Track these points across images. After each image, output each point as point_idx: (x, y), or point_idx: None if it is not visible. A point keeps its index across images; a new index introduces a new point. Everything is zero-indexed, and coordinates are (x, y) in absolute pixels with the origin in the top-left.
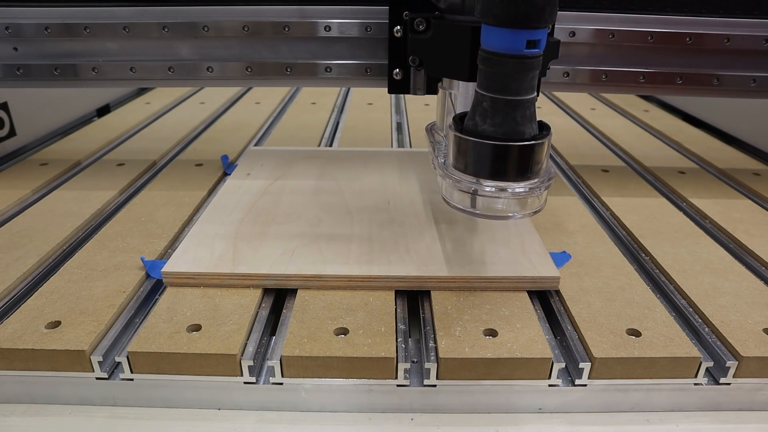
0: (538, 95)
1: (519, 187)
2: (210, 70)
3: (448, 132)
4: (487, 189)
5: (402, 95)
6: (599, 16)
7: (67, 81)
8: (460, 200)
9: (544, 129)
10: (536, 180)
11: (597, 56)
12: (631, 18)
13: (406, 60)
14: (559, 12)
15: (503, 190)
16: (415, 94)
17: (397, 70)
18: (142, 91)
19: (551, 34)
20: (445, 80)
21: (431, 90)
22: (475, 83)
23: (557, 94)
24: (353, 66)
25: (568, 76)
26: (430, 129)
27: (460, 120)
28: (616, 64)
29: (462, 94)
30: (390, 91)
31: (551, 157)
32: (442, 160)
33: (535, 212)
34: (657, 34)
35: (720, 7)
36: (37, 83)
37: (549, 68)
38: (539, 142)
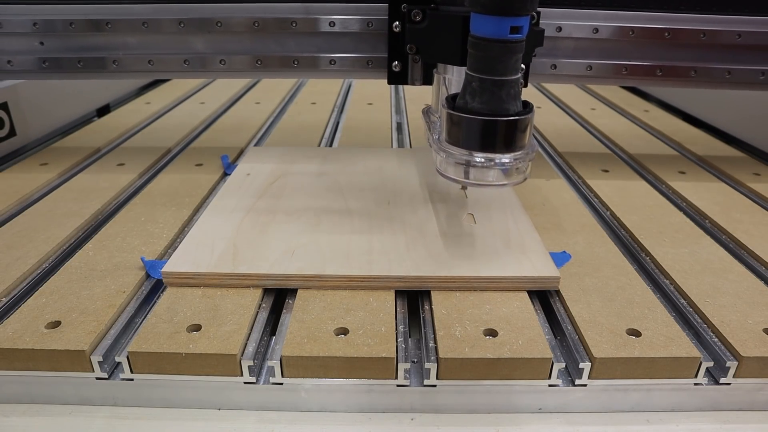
0: (526, 86)
1: (505, 158)
2: (222, 62)
3: (442, 110)
4: (477, 160)
5: (402, 96)
6: (584, 12)
7: (90, 73)
8: (453, 172)
9: (527, 107)
10: (521, 152)
11: (582, 49)
12: (614, 14)
13: (404, 51)
14: (546, 9)
15: (491, 161)
16: (413, 84)
17: (396, 62)
18: (142, 91)
19: (537, 24)
20: (440, 66)
21: (428, 81)
22: (466, 67)
23: (558, 94)
24: (355, 59)
25: (555, 68)
26: (426, 111)
27: (452, 99)
28: (601, 57)
29: (455, 78)
30: (390, 82)
31: (552, 157)
32: (437, 137)
33: (520, 182)
34: (638, 29)
35: (697, 5)
36: (62, 75)
37: (535, 55)
38: (523, 117)
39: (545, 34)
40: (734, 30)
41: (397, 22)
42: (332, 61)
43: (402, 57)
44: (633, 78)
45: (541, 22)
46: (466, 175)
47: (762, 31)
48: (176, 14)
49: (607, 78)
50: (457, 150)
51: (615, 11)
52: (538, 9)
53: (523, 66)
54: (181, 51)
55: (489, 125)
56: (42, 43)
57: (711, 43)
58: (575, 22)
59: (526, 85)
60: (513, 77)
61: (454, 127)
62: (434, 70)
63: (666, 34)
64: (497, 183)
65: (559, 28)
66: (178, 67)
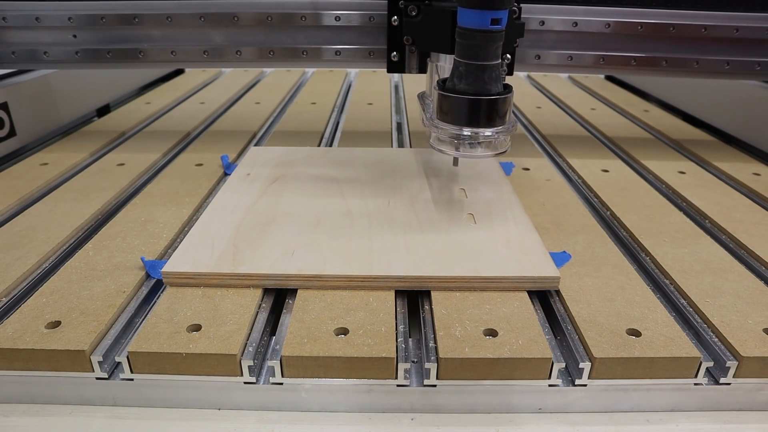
0: (511, 74)
1: (488, 131)
2: (238, 53)
3: (434, 92)
4: (464, 134)
5: (402, 96)
6: (564, 8)
7: (119, 63)
8: (443, 146)
9: (507, 88)
10: (502, 127)
11: (563, 41)
12: (591, 10)
13: (402, 42)
14: (530, 5)
15: (476, 134)
16: (410, 72)
17: (395, 52)
18: (142, 91)
19: (518, 18)
20: (432, 54)
21: (422, 69)
22: (454, 54)
23: (558, 94)
24: (358, 50)
25: (539, 58)
26: (421, 95)
27: (443, 82)
28: (580, 48)
29: (446, 65)
30: (389, 71)
31: (552, 157)
32: (430, 115)
33: (502, 153)
34: (614, 23)
35: (667, 1)
36: (93, 65)
37: (517, 45)
38: (503, 96)
39: (530, 28)
40: (700, 24)
41: (395, 17)
42: (337, 52)
43: (400, 48)
44: (610, 67)
45: (525, 16)
46: (456, 147)
47: (725, 25)
48: (197, 9)
49: (587, 67)
50: (447, 126)
51: (592, 7)
52: (521, 4)
53: (508, 56)
54: (201, 43)
55: (474, 103)
56: (75, 36)
57: (680, 36)
58: (556, 17)
59: (511, 74)
60: (494, 62)
61: (444, 105)
62: (428, 59)
63: (639, 27)
64: (482, 154)
65: (542, 22)
66: (198, 58)
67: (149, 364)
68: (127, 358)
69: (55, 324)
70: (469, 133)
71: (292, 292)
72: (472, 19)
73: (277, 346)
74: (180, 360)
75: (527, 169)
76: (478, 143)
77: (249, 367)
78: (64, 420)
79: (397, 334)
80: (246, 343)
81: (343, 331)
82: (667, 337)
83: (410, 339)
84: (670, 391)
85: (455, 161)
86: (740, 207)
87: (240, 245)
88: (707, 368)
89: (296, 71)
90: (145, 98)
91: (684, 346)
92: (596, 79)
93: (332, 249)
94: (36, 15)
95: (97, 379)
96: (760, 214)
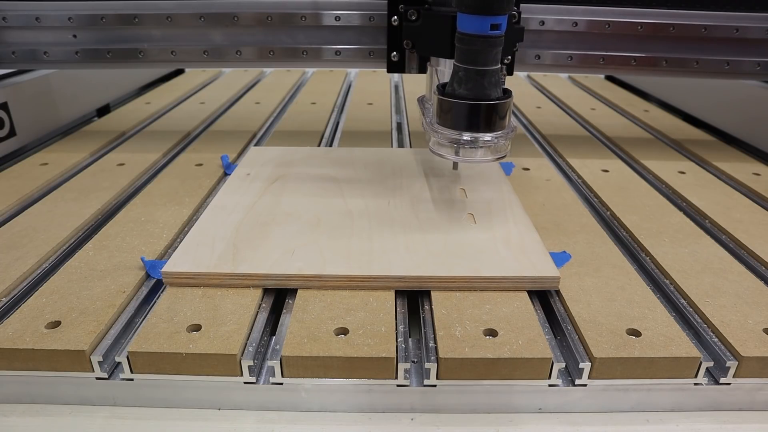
0: (511, 74)
1: (487, 136)
2: (238, 53)
3: (433, 97)
4: (464, 139)
5: (402, 96)
6: (564, 8)
7: (118, 63)
8: (443, 150)
9: (507, 93)
10: (501, 132)
11: (563, 41)
12: (591, 9)
13: (402, 45)
14: (530, 5)
15: (476, 139)
16: (409, 72)
17: (395, 53)
18: (142, 91)
19: (518, 22)
20: (432, 59)
21: (422, 69)
22: (454, 59)
23: (558, 94)
24: (358, 50)
25: (539, 58)
26: (421, 99)
27: (442, 87)
28: (580, 48)
29: (445, 69)
30: (389, 71)
31: (552, 157)
32: (429, 120)
33: (501, 158)
34: (614, 23)
35: (666, 1)
36: (93, 65)
37: (517, 49)
38: (502, 101)
39: (530, 28)
40: (700, 24)
41: (396, 17)
42: (337, 52)
43: (400, 48)
44: (610, 67)
45: (525, 16)
46: (455, 152)
47: (725, 25)
48: (197, 9)
49: (587, 67)
50: (447, 130)
51: (592, 7)
52: (522, 6)
53: (508, 57)
54: (201, 43)
55: (473, 108)
56: (75, 36)
57: (680, 36)
58: (556, 17)
59: (510, 73)
60: (494, 67)
61: (444, 110)
62: (428, 63)
63: (639, 27)
64: (482, 159)
65: (542, 22)
66: (198, 58)
67: (149, 364)
68: (127, 358)
69: (55, 324)
70: (469, 138)
71: (292, 292)
72: (472, 24)
73: (277, 346)
74: (180, 360)
75: (527, 169)
76: (478, 147)
77: (249, 367)
78: (64, 420)
79: (397, 334)
80: (246, 343)
81: (343, 331)
82: (667, 337)
83: (410, 339)
84: (670, 391)
85: (455, 165)
86: (740, 207)
87: (240, 245)
88: (707, 368)
89: (296, 71)
90: (145, 98)
91: (684, 346)
92: (596, 79)
93: (332, 249)
94: (36, 15)
95: (97, 379)
96: (760, 214)
